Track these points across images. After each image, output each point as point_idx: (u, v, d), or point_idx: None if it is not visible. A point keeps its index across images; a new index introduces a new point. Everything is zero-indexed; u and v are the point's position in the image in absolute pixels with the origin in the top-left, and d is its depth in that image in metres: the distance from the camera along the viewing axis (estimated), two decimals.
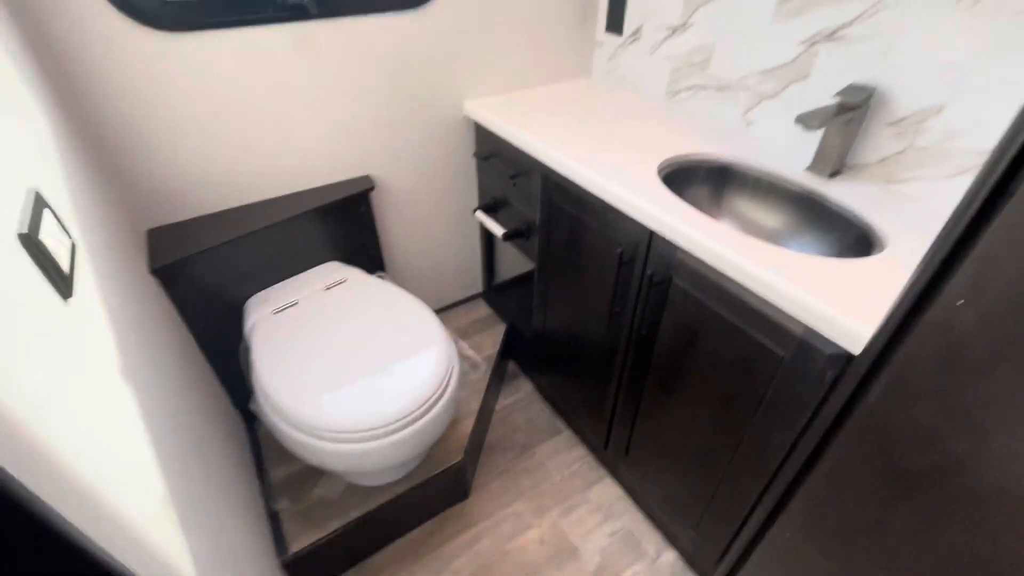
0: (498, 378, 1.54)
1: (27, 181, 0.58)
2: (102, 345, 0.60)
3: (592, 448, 1.39)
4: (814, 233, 0.93)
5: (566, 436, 1.46)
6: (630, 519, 1.27)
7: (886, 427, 0.55)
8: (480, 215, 1.46)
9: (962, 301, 0.45)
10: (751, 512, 0.87)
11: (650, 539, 1.23)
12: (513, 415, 1.51)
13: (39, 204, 0.56)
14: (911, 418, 0.52)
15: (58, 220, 0.60)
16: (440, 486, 1.23)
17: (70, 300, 0.55)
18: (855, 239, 0.85)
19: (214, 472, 0.88)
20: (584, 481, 1.35)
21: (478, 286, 1.81)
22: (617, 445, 1.23)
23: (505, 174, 1.28)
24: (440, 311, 1.75)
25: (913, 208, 0.86)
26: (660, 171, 0.99)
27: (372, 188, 1.31)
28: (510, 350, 1.64)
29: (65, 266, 0.56)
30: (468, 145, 1.45)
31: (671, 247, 0.85)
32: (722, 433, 0.89)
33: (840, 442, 0.62)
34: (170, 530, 0.56)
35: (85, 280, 0.63)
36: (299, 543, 1.09)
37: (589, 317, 1.14)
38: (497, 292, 1.78)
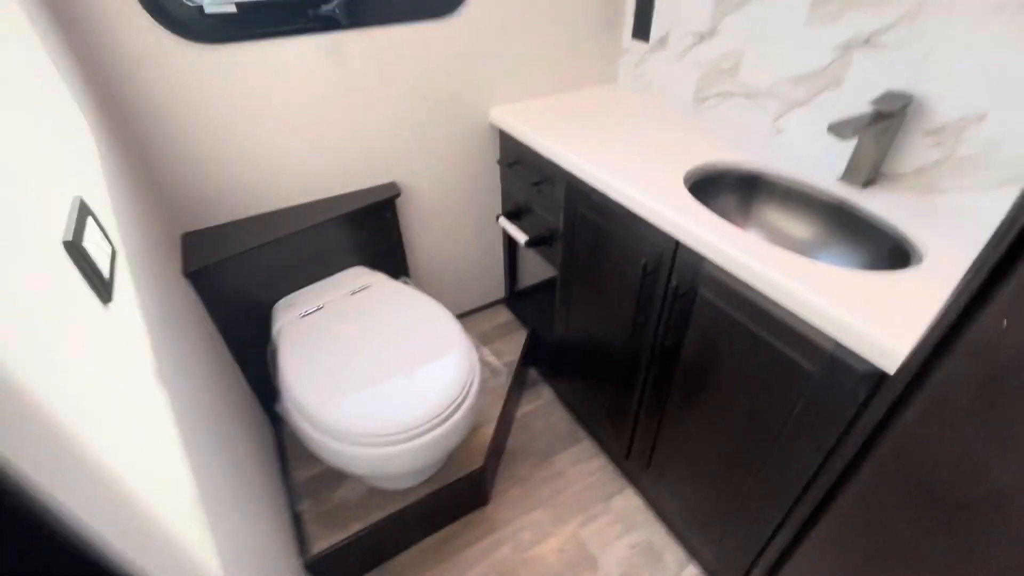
0: (519, 384, 1.54)
1: (73, 190, 0.60)
2: (138, 348, 0.62)
3: (613, 458, 1.38)
4: (846, 245, 0.91)
5: (586, 445, 1.44)
6: (651, 531, 1.25)
7: (925, 451, 0.53)
8: (503, 222, 1.47)
9: (1007, 321, 0.43)
10: (777, 530, 0.85)
11: (672, 552, 1.21)
12: (534, 422, 1.51)
13: (83, 212, 0.58)
14: (953, 444, 0.50)
15: (100, 227, 0.62)
16: (460, 492, 1.23)
17: (109, 304, 0.57)
18: (890, 251, 0.83)
19: (241, 473, 0.90)
20: (605, 491, 1.33)
21: (500, 292, 1.82)
22: (639, 456, 1.21)
23: (529, 181, 1.29)
24: (462, 316, 1.76)
25: (952, 220, 0.83)
26: (687, 180, 0.97)
27: (398, 194, 1.33)
28: (531, 356, 1.63)
29: (105, 272, 0.58)
30: (492, 152, 1.46)
31: (697, 258, 0.84)
32: (747, 448, 0.87)
33: (874, 464, 0.60)
34: (199, 531, 0.58)
35: (123, 284, 0.65)
36: (321, 544, 1.11)
37: (612, 326, 1.13)
38: (519, 298, 1.78)
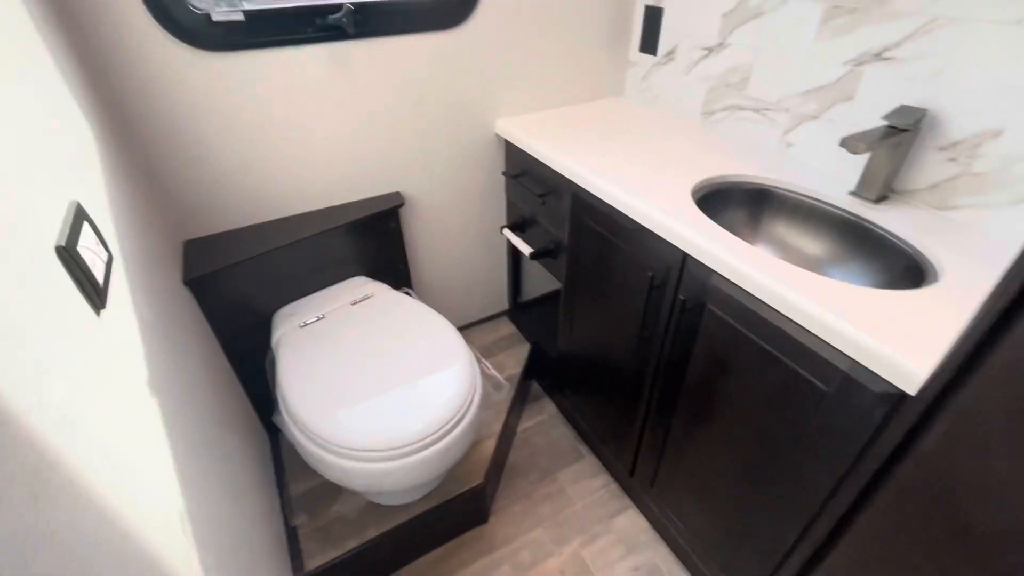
0: (521, 399, 1.51)
1: (70, 194, 0.59)
2: (132, 357, 0.61)
3: (616, 476, 1.35)
4: (859, 261, 0.89)
5: (589, 462, 1.41)
6: (655, 553, 1.21)
7: (950, 478, 0.50)
8: (508, 233, 1.45)
9: None
10: (788, 556, 0.82)
11: None
12: (535, 437, 1.48)
13: (79, 216, 0.57)
14: (981, 471, 0.47)
15: (97, 233, 0.61)
16: (459, 508, 1.20)
17: (103, 312, 0.56)
18: (904, 269, 0.80)
19: (235, 485, 0.88)
20: (607, 510, 1.30)
21: (503, 304, 1.80)
22: (643, 475, 1.18)
23: (534, 193, 1.27)
24: (465, 328, 1.74)
25: (968, 237, 0.81)
26: (694, 193, 0.96)
27: (402, 204, 1.32)
28: (534, 370, 1.61)
29: (100, 279, 0.57)
30: (498, 163, 1.45)
31: (706, 272, 0.82)
32: (757, 468, 0.84)
33: (892, 490, 0.58)
34: (185, 546, 0.55)
35: (120, 292, 0.64)
36: (316, 560, 1.08)
37: (617, 340, 1.11)
38: (522, 311, 1.76)
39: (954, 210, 0.85)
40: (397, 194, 1.33)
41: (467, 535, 1.25)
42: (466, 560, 1.20)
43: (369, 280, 1.33)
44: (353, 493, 1.17)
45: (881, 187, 0.89)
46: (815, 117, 1.02)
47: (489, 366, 1.47)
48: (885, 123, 0.84)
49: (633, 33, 1.41)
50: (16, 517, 0.31)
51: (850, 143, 0.80)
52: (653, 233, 0.90)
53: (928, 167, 0.86)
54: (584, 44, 1.37)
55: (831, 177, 0.99)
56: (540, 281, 1.78)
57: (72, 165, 0.65)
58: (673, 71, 1.32)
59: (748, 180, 1.02)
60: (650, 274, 0.92)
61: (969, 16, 0.76)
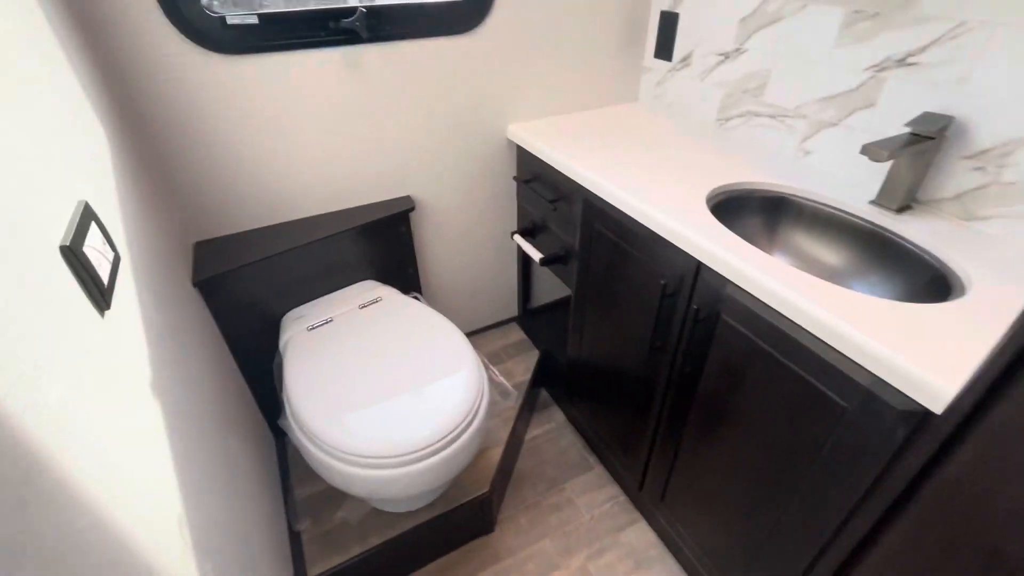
0: (529, 406, 1.49)
1: (78, 194, 0.59)
2: (136, 359, 0.60)
3: (625, 488, 1.32)
4: (880, 273, 0.86)
5: (598, 473, 1.39)
6: (664, 569, 1.18)
7: (980, 503, 0.47)
8: (518, 239, 1.44)
9: None
10: None
11: None
12: (543, 446, 1.46)
13: (87, 216, 0.57)
14: (1015, 496, 0.44)
15: (104, 233, 0.61)
16: (464, 517, 1.18)
17: (107, 313, 0.56)
18: (929, 281, 0.78)
19: (239, 489, 0.87)
20: (615, 523, 1.27)
21: (513, 310, 1.78)
22: (653, 487, 1.15)
23: (545, 198, 1.26)
24: (473, 334, 1.73)
25: (996, 249, 0.77)
26: (709, 200, 0.94)
27: (412, 208, 1.31)
28: (543, 378, 1.59)
29: (105, 279, 0.56)
30: (509, 168, 1.44)
31: (720, 281, 0.79)
32: (771, 485, 0.81)
33: (918, 511, 0.55)
34: (183, 552, 0.54)
35: (126, 293, 0.64)
36: (318, 567, 1.07)
37: (627, 349, 1.09)
38: (532, 317, 1.75)
39: (982, 221, 0.82)
40: (408, 198, 1.33)
41: (472, 544, 1.23)
42: (471, 570, 1.18)
43: (378, 284, 1.32)
44: (357, 499, 1.16)
45: (903, 196, 0.86)
46: (834, 124, 1.00)
47: (496, 373, 1.45)
48: (908, 130, 0.81)
49: (648, 39, 1.40)
50: (2, 521, 0.30)
51: (872, 150, 0.77)
52: (666, 241, 0.88)
53: (953, 176, 0.84)
54: (598, 50, 1.36)
55: (850, 186, 0.96)
56: (550, 287, 1.76)
57: (83, 166, 0.65)
58: (688, 77, 1.30)
59: (764, 188, 1.00)
60: (663, 282, 0.90)
61: (998, 20, 0.74)
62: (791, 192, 0.98)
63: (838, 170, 1.01)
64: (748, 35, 1.11)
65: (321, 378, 1.01)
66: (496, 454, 1.27)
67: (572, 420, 1.50)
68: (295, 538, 1.12)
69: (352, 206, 1.28)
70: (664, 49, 1.35)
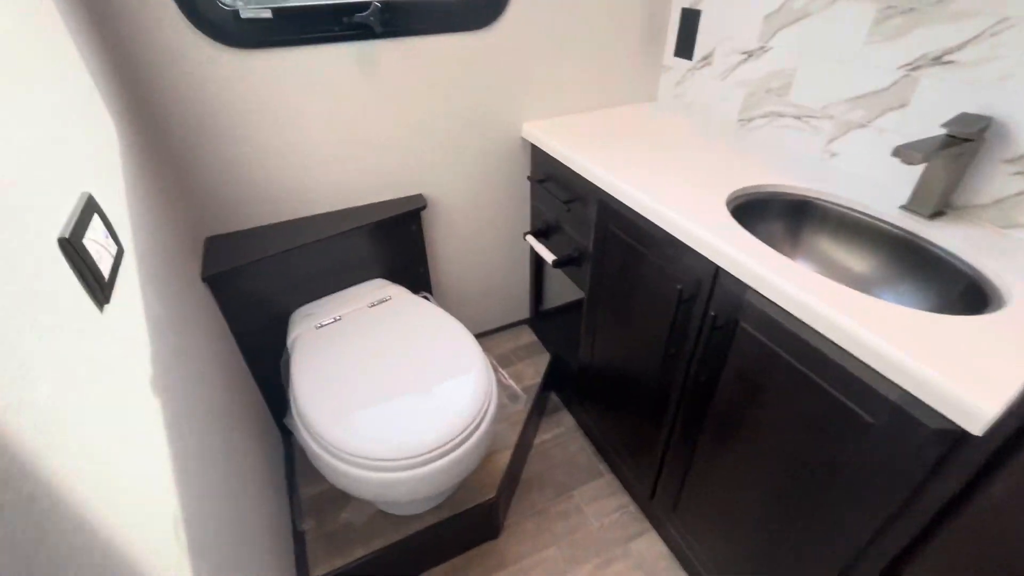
0: (538, 410, 1.46)
1: (82, 186, 0.58)
2: (137, 354, 0.59)
3: (636, 497, 1.28)
4: (911, 282, 0.81)
5: (607, 480, 1.35)
6: None
7: (1022, 532, 0.44)
8: (531, 240, 1.41)
9: None
10: None
11: None
12: (552, 451, 1.43)
13: (89, 208, 0.56)
14: None
15: (107, 226, 0.60)
16: (470, 522, 1.16)
17: (107, 307, 0.54)
18: (964, 292, 0.73)
19: (243, 488, 0.86)
20: (625, 533, 1.24)
21: (524, 312, 1.76)
22: (665, 497, 1.12)
23: (560, 199, 1.23)
24: (483, 335, 1.71)
25: None
26: (729, 203, 0.90)
27: (424, 207, 1.30)
28: (553, 381, 1.56)
29: (106, 272, 0.55)
30: (523, 168, 1.41)
31: (740, 287, 0.76)
32: (790, 501, 0.77)
33: (951, 538, 0.51)
34: (177, 554, 0.53)
35: (129, 287, 0.63)
36: (321, 568, 1.05)
37: (641, 355, 1.06)
38: (543, 320, 1.72)
39: (1023, 229, 0.77)
40: (419, 196, 1.31)
41: (477, 550, 1.21)
42: None
43: (388, 283, 1.31)
44: (362, 500, 1.15)
45: (937, 201, 0.82)
46: (863, 125, 0.96)
47: (506, 375, 1.43)
48: (944, 132, 0.77)
49: (668, 37, 1.36)
50: None
51: (905, 152, 0.73)
52: (683, 244, 0.85)
53: (992, 180, 0.79)
54: (616, 48, 1.33)
55: (880, 189, 0.92)
56: (563, 290, 1.73)
57: (88, 159, 0.64)
58: (709, 76, 1.27)
59: (788, 191, 0.96)
60: (679, 287, 0.86)
61: None
62: (816, 195, 0.94)
63: (866, 173, 0.97)
64: (773, 32, 1.07)
65: (328, 378, 1.00)
66: (504, 458, 1.25)
67: (582, 425, 1.47)
68: (299, 538, 1.11)
69: (363, 204, 1.27)
70: (684, 47, 1.31)
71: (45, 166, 0.51)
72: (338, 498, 1.17)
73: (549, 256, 1.32)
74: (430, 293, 1.45)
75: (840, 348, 0.63)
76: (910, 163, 0.73)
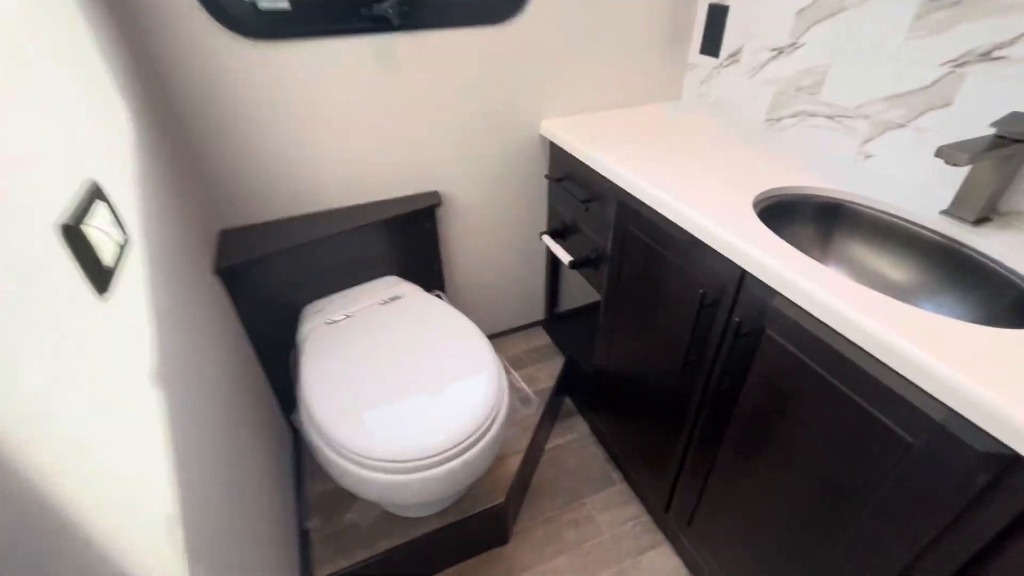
0: (551, 415, 1.43)
1: (86, 171, 0.57)
2: (138, 346, 0.57)
3: (649, 508, 1.24)
4: (953, 292, 0.76)
5: (620, 489, 1.31)
6: None
7: None
8: (547, 240, 1.38)
9: None
10: None
11: None
12: (564, 457, 1.39)
13: (93, 195, 0.55)
14: None
15: (113, 213, 0.58)
16: (478, 527, 1.13)
17: (108, 296, 0.53)
18: (1012, 304, 0.68)
19: (247, 485, 0.84)
20: (637, 545, 1.20)
21: (539, 313, 1.72)
22: (680, 510, 1.08)
23: (578, 198, 1.20)
24: (496, 336, 1.68)
25: None
26: (756, 205, 0.86)
27: (439, 204, 1.27)
28: (567, 385, 1.53)
29: (108, 261, 0.54)
30: (541, 166, 1.38)
31: (767, 293, 0.72)
32: (815, 522, 0.73)
33: (1006, 570, 0.47)
34: (170, 555, 0.51)
35: (134, 277, 0.61)
36: (325, 568, 1.04)
37: (659, 361, 1.02)
38: (558, 322, 1.68)
39: None
40: (435, 193, 1.29)
41: (484, 556, 1.18)
42: None
43: (401, 280, 1.29)
44: (367, 501, 1.13)
45: (982, 206, 0.76)
46: (901, 125, 0.91)
47: (518, 378, 1.40)
48: (993, 132, 0.72)
49: (694, 34, 1.32)
50: None
51: (949, 153, 0.68)
52: (707, 246, 0.81)
53: None
54: (640, 45, 1.29)
55: (918, 193, 0.87)
56: (579, 291, 1.70)
57: (98, 145, 0.63)
58: (736, 74, 1.22)
59: (818, 193, 0.91)
60: (701, 291, 0.82)
61: None
62: (849, 198, 0.89)
63: (903, 176, 0.92)
64: (806, 28, 1.03)
65: (336, 375, 0.98)
66: (514, 463, 1.22)
67: (596, 432, 1.44)
68: (304, 536, 1.10)
69: (377, 199, 1.25)
70: (711, 44, 1.27)
71: (50, 150, 0.50)
72: (344, 497, 1.15)
73: (566, 257, 1.28)
74: (443, 292, 1.43)
75: (877, 361, 0.59)
76: (955, 164, 0.68)
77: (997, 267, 0.72)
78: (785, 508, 0.78)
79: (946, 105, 0.83)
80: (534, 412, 1.34)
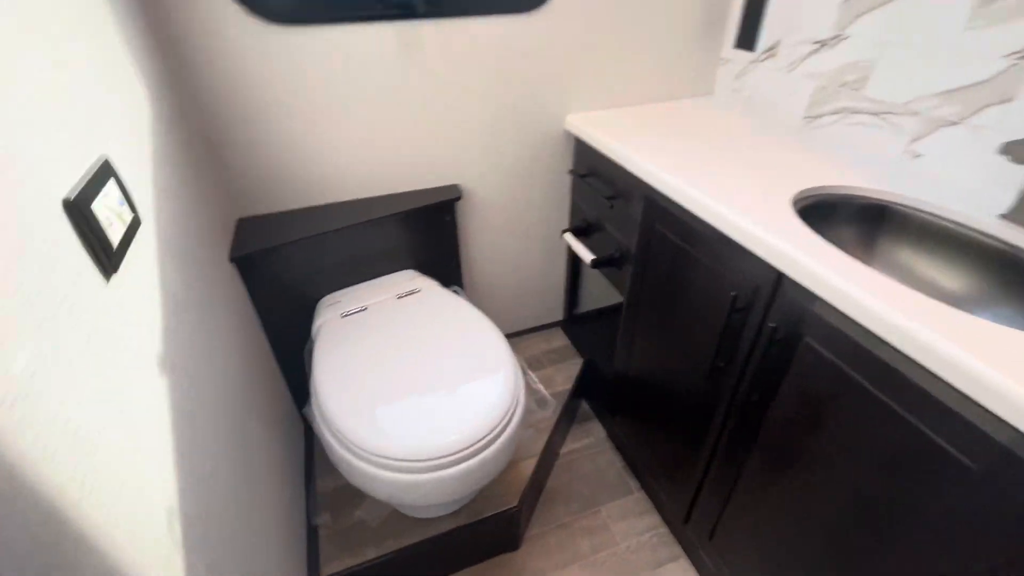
0: (567, 418, 1.39)
1: (100, 148, 0.55)
2: (144, 330, 0.55)
3: (668, 519, 1.19)
4: (1014, 302, 0.70)
5: (638, 498, 1.27)
6: None
7: None
8: (569, 237, 1.34)
9: None
10: None
11: None
12: (580, 462, 1.35)
13: (104, 173, 0.53)
14: None
15: (124, 193, 0.57)
16: (489, 531, 1.10)
17: (114, 278, 0.51)
18: None
19: (255, 478, 0.83)
20: (654, 556, 1.15)
21: (558, 314, 1.68)
22: (701, 523, 1.03)
23: (602, 195, 1.16)
24: (513, 336, 1.64)
25: None
26: (794, 204, 0.81)
27: (459, 197, 1.25)
28: (585, 388, 1.48)
29: (115, 241, 0.52)
30: (565, 161, 1.35)
31: (807, 297, 0.67)
32: (851, 546, 0.67)
33: None
34: (169, 549, 0.49)
35: (143, 259, 0.59)
36: (332, 566, 1.01)
37: (684, 367, 0.97)
38: (577, 323, 1.64)
39: None
40: (455, 187, 1.26)
41: (494, 560, 1.14)
42: None
43: (418, 274, 1.27)
44: (378, 499, 1.10)
45: None
46: (955, 122, 0.84)
47: (535, 379, 1.36)
48: None
49: (728, 27, 1.27)
50: None
51: (1017, 150, 0.63)
52: (741, 246, 0.76)
53: None
54: (671, 38, 1.24)
55: (973, 195, 0.81)
56: (600, 292, 1.64)
57: (113, 123, 0.61)
58: (773, 69, 1.17)
59: (862, 193, 0.85)
60: (733, 294, 0.78)
61: None
62: (895, 200, 0.83)
63: (957, 177, 0.85)
64: (852, 19, 0.97)
65: (350, 370, 0.95)
66: (528, 466, 1.18)
67: (613, 437, 1.39)
68: (312, 532, 1.08)
69: (397, 191, 1.23)
70: (747, 38, 1.21)
71: (60, 122, 0.48)
72: (354, 495, 1.13)
73: (588, 256, 1.24)
74: (461, 287, 1.40)
75: (933, 375, 0.53)
76: (1022, 163, 0.62)
77: None
78: (817, 527, 0.73)
79: (1007, 100, 0.77)
80: (550, 415, 1.30)
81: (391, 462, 0.81)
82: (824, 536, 0.72)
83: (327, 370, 0.96)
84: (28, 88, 0.45)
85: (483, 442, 0.84)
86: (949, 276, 0.78)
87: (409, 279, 1.23)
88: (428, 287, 1.20)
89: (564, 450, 1.37)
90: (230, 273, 1.00)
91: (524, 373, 1.07)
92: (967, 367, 0.50)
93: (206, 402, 0.68)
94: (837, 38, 1.01)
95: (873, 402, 0.60)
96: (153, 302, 0.59)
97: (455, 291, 1.27)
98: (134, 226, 0.57)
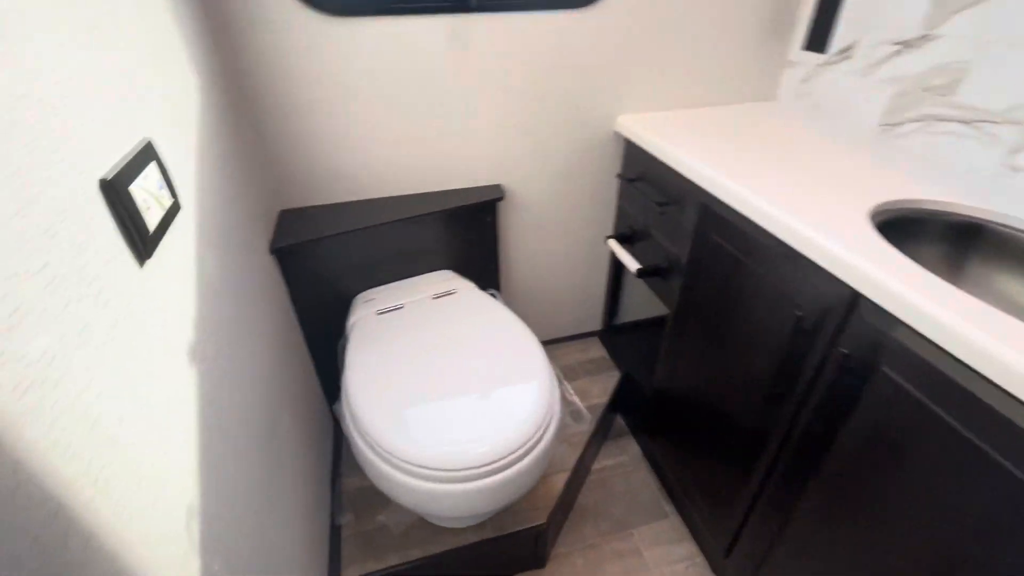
0: (602, 434, 1.33)
1: (144, 131, 0.54)
2: (177, 317, 0.54)
3: (705, 549, 1.11)
4: None
5: (673, 523, 1.19)
6: None
7: None
8: (613, 244, 1.29)
9: None
10: None
11: None
12: (612, 480, 1.29)
13: (145, 155, 0.51)
14: None
15: (166, 177, 0.55)
16: (515, 546, 1.05)
17: (148, 263, 0.49)
18: None
19: (282, 474, 0.81)
20: None
21: (596, 323, 1.62)
22: (744, 560, 0.95)
23: (652, 200, 1.10)
24: (549, 343, 1.59)
25: None
26: (872, 218, 0.73)
27: (501, 198, 1.21)
28: (621, 403, 1.41)
29: (152, 224, 0.50)
30: (613, 164, 1.29)
31: (887, 322, 0.59)
32: None
33: None
34: (185, 548, 0.46)
35: (180, 246, 0.58)
36: (354, 569, 0.99)
37: (735, 389, 0.90)
38: (616, 334, 1.58)
39: None
40: (498, 186, 1.23)
41: None
42: None
43: (455, 275, 1.24)
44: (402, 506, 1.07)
45: None
46: None
47: (571, 391, 1.31)
48: None
49: (797, 27, 1.18)
50: None
51: None
52: (810, 261, 0.69)
53: None
54: (732, 38, 1.17)
55: None
56: (642, 303, 1.58)
57: (161, 107, 0.61)
58: (847, 72, 1.08)
59: (953, 210, 0.77)
60: (798, 314, 0.71)
61: None
62: (992, 218, 0.74)
63: None
64: (945, 18, 0.88)
65: (382, 370, 0.93)
66: (559, 481, 1.13)
67: (649, 457, 1.32)
68: (335, 532, 1.06)
69: (439, 189, 1.20)
70: (818, 39, 1.13)
71: (103, 101, 0.47)
72: (379, 497, 1.10)
73: (633, 264, 1.18)
74: (498, 291, 1.36)
75: None
76: None
77: None
78: (885, 574, 0.65)
79: None
80: (585, 429, 1.24)
81: (419, 469, 0.78)
82: None
83: (359, 369, 0.93)
84: (72, 62, 0.43)
85: (516, 454, 0.80)
86: None
87: (446, 279, 1.21)
88: (464, 288, 1.17)
89: (596, 466, 1.31)
90: (270, 264, 1.00)
91: (560, 383, 1.02)
92: None
93: (236, 393, 0.67)
94: (924, 38, 0.92)
95: (964, 444, 0.52)
96: (188, 289, 0.58)
97: (492, 294, 1.23)
98: (173, 211, 0.56)
